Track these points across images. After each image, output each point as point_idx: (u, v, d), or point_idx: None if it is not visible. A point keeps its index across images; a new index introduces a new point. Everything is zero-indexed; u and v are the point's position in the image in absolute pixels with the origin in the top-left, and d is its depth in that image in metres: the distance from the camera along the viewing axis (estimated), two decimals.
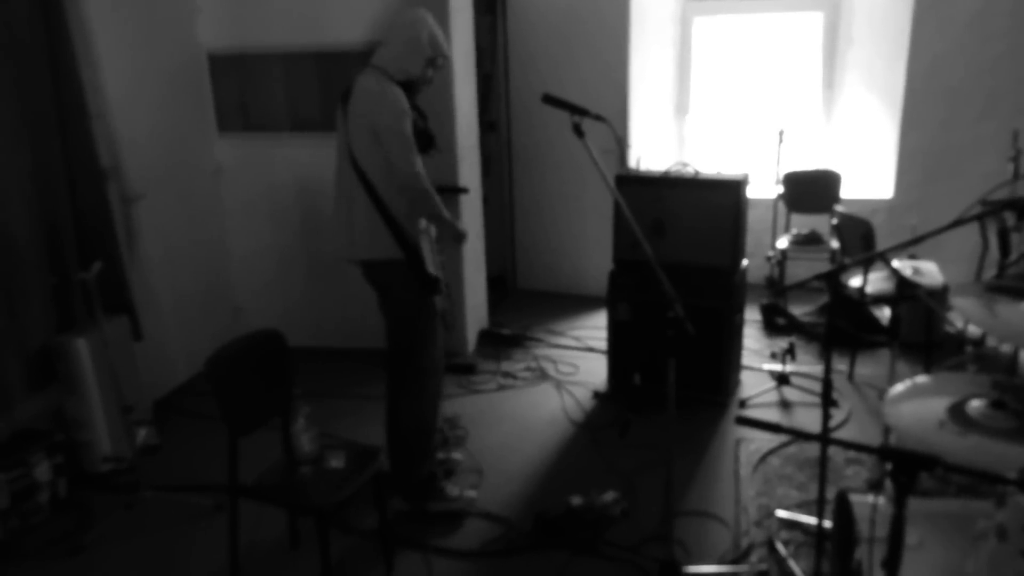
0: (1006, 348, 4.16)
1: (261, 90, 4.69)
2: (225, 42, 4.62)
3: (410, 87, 3.03)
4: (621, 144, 5.29)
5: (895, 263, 4.34)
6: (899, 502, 1.49)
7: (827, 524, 2.41)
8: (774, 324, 5.07)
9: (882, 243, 3.65)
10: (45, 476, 3.29)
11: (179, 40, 4.48)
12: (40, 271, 3.46)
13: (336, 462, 2.72)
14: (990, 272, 3.95)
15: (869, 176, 5.78)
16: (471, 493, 3.31)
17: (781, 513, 3.08)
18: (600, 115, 2.74)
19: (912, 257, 4.67)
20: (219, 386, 2.58)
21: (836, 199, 5.36)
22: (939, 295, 4.26)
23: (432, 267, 3.04)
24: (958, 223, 2.21)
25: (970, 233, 3.58)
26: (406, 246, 2.97)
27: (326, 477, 2.66)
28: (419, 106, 3.12)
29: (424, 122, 3.12)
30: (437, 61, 3.09)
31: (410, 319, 3.10)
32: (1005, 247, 3.29)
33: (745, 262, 4.11)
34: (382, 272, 3.06)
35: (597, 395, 4.27)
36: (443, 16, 4.32)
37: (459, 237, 3.20)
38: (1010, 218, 3.18)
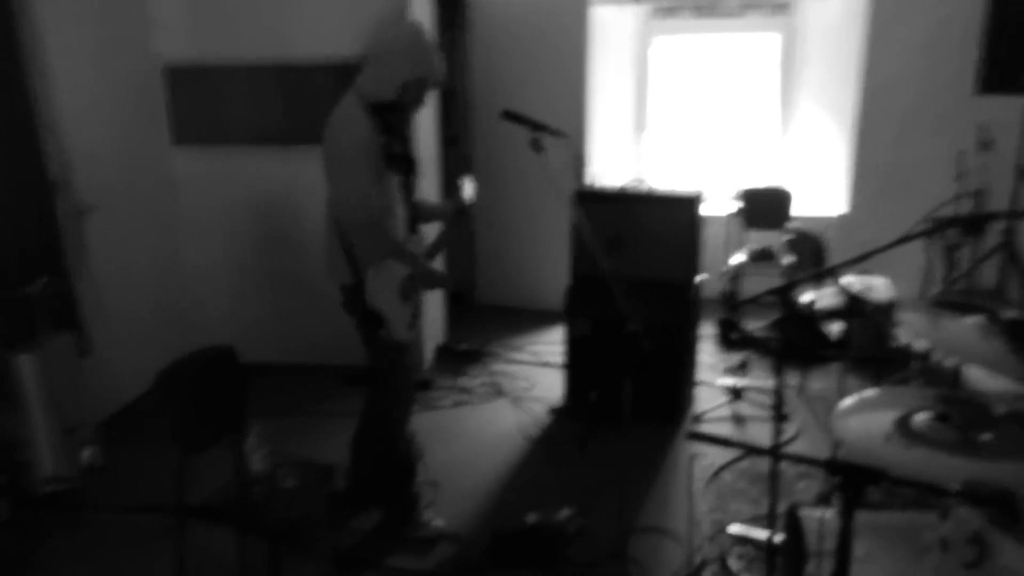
0: (950, 362, 4.26)
1: (221, 103, 4.63)
2: (185, 54, 4.55)
3: (393, 108, 2.82)
4: (579, 160, 5.34)
5: (848, 278, 4.42)
6: (847, 515, 1.51)
7: (778, 538, 2.44)
8: (729, 339, 5.13)
9: (836, 258, 3.73)
10: None
11: (136, 51, 4.42)
12: None
13: (289, 481, 2.67)
14: (935, 288, 4.05)
15: (823, 193, 5.90)
16: (439, 522, 3.21)
17: (734, 528, 3.10)
18: (559, 130, 2.75)
19: (864, 272, 4.77)
20: (168, 402, 2.52)
21: (788, 216, 5.46)
22: (888, 310, 4.35)
23: (375, 300, 2.83)
24: (904, 240, 2.26)
25: (920, 249, 3.68)
26: (356, 274, 2.84)
27: (278, 497, 2.61)
28: (400, 128, 2.93)
29: (403, 146, 2.95)
30: (426, 83, 2.83)
31: (367, 344, 3.02)
32: (951, 263, 3.38)
33: (701, 278, 4.15)
34: (344, 296, 2.96)
35: (553, 411, 4.27)
36: None
37: (434, 281, 3.02)
38: (953, 236, 3.27)
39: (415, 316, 3.00)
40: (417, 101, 2.87)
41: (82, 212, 3.89)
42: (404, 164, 2.93)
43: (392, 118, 2.84)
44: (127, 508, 3.33)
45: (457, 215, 3.09)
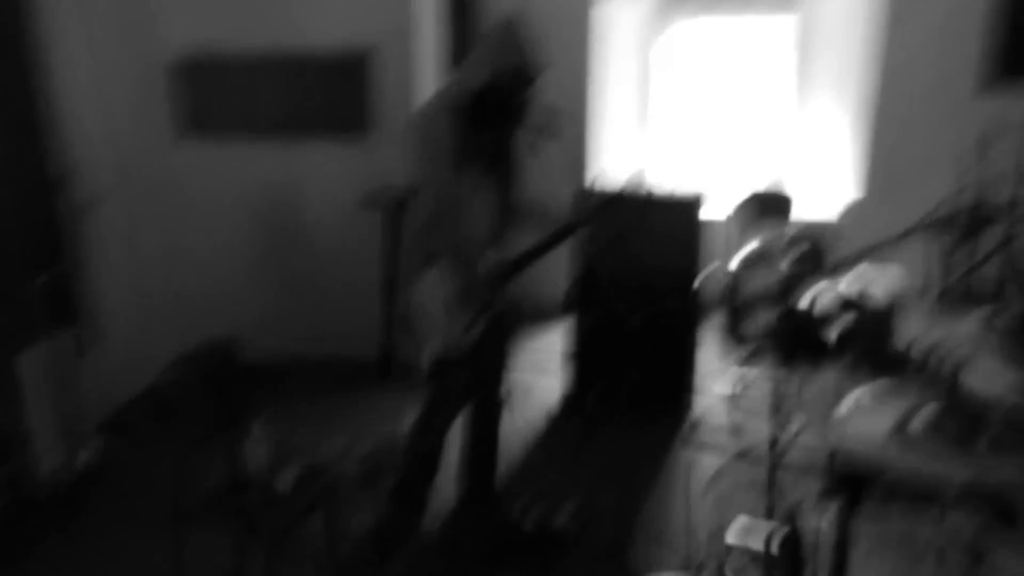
0: (950, 363, 4.23)
1: (227, 95, 4.62)
2: (191, 45, 4.53)
3: (481, 108, 2.69)
4: (581, 158, 5.32)
5: (858, 269, 4.38)
6: (843, 519, 1.51)
7: (775, 543, 2.42)
8: (731, 340, 5.11)
9: (844, 253, 3.68)
10: None
11: (141, 42, 4.42)
12: None
13: (288, 481, 2.65)
14: (936, 288, 4.03)
15: (831, 187, 5.84)
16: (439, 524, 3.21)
17: (731, 533, 3.08)
18: (559, 125, 2.74)
19: (874, 264, 4.72)
20: (168, 400, 2.52)
21: (792, 214, 5.43)
22: (888, 310, 4.31)
23: (408, 304, 2.78)
24: (901, 237, 2.26)
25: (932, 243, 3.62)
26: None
27: (275, 497, 2.59)
28: (500, 128, 2.80)
29: (498, 147, 2.84)
30: (512, 80, 2.68)
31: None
32: (950, 264, 3.36)
33: (702, 278, 4.14)
34: None
35: (553, 411, 4.25)
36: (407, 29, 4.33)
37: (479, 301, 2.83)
38: (954, 233, 3.24)
39: (465, 329, 2.81)
40: (504, 100, 2.73)
41: (86, 206, 3.88)
42: (492, 164, 2.81)
43: (479, 116, 2.71)
44: (127, 507, 3.33)
45: (568, 228, 2.89)
